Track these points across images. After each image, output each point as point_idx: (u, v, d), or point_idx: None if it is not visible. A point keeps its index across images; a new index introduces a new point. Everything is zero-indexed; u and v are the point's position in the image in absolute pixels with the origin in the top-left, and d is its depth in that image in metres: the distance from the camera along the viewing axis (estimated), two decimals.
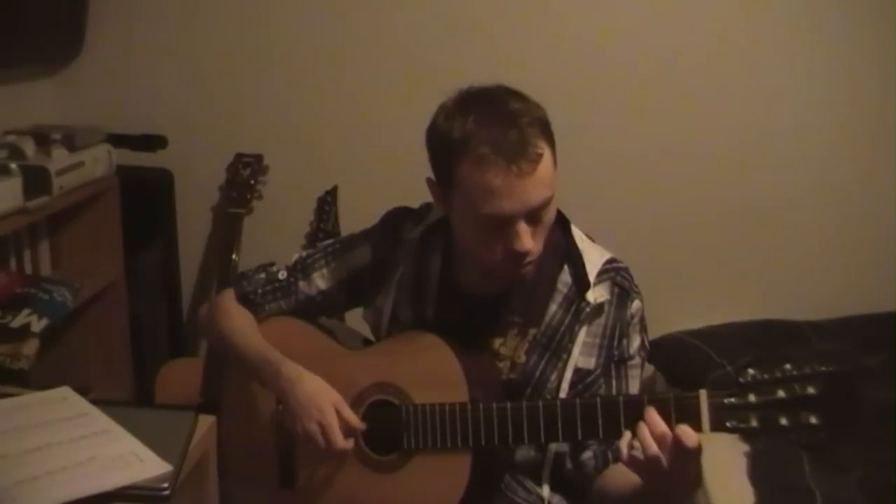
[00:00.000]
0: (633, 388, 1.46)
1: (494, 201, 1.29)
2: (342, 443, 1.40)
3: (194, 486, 1.33)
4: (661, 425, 1.21)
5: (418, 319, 1.51)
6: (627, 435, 1.25)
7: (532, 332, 1.45)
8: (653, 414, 1.22)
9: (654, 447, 1.20)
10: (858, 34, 2.32)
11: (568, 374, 1.43)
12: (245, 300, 1.61)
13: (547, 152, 1.30)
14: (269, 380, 1.48)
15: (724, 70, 2.37)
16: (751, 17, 2.34)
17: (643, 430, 1.22)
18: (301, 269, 1.60)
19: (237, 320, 1.58)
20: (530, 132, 1.28)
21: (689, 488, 1.28)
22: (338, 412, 1.41)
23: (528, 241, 1.32)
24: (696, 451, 1.20)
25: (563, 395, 1.43)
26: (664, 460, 1.19)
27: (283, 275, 1.60)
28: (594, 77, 2.41)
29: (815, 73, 2.36)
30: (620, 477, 1.38)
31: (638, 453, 1.22)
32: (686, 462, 1.20)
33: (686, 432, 1.18)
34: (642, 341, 1.48)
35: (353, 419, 1.42)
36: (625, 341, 1.45)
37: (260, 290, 1.60)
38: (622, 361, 1.46)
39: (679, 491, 1.27)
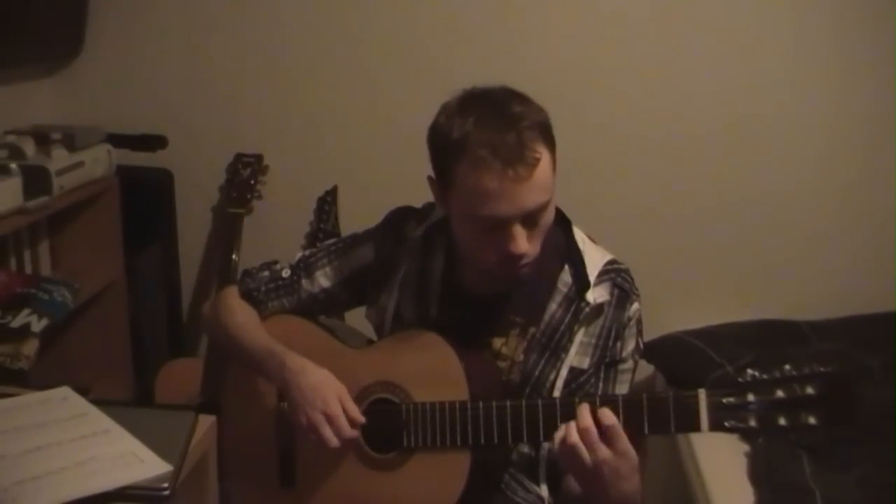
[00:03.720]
0: (622, 391, 1.46)
1: (489, 204, 1.29)
2: (347, 432, 1.39)
3: (194, 486, 1.33)
4: (586, 419, 1.25)
5: (421, 318, 1.51)
6: (562, 429, 1.27)
7: (532, 331, 1.46)
8: (583, 410, 1.26)
9: (574, 436, 1.24)
10: (858, 33, 2.32)
11: (563, 373, 1.44)
12: (248, 297, 1.61)
13: (545, 156, 1.30)
14: (274, 372, 1.47)
15: (725, 71, 2.37)
16: (750, 16, 2.34)
17: (570, 424, 1.26)
18: (304, 268, 1.60)
19: (241, 316, 1.58)
20: (529, 136, 1.28)
21: (620, 494, 1.27)
22: (341, 404, 1.41)
23: (524, 243, 1.32)
24: (623, 450, 1.23)
25: (556, 393, 1.43)
26: (586, 453, 1.23)
27: (286, 273, 1.61)
28: (592, 77, 2.41)
29: (817, 73, 2.35)
30: None
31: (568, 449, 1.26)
32: (615, 459, 1.23)
33: (605, 411, 1.25)
34: (637, 344, 1.48)
35: (356, 412, 1.42)
36: (619, 343, 1.45)
37: (263, 288, 1.61)
38: (613, 364, 1.46)
39: (612, 496, 1.26)
